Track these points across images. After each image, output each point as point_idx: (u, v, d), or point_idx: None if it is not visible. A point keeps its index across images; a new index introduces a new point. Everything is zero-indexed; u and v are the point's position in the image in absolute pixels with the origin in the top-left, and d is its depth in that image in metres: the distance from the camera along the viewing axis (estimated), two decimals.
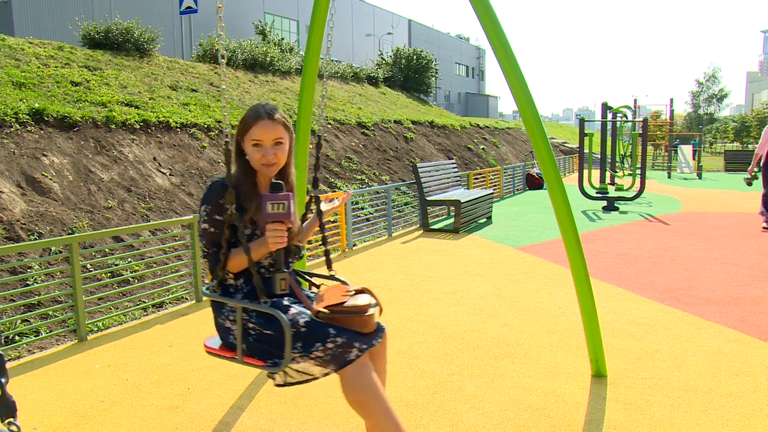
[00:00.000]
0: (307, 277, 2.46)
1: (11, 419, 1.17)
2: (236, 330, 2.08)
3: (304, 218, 2.47)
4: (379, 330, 2.17)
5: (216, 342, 2.28)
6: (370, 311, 2.11)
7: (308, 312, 2.08)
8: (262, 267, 2.15)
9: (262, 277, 2.13)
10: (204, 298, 5.02)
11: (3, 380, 1.20)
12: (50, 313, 4.38)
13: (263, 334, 2.06)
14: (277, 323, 2.01)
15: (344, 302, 2.09)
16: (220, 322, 2.19)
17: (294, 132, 2.21)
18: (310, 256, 6.65)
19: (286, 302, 2.13)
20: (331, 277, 2.45)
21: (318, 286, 2.42)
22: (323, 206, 2.50)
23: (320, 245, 7.08)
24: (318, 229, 2.51)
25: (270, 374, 2.13)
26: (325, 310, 2.06)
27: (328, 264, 2.51)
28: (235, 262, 2.06)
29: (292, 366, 2.05)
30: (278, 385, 2.15)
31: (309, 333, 2.01)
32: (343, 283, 2.34)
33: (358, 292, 2.20)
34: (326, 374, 2.08)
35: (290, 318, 2.03)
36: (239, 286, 2.15)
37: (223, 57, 2.15)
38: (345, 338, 2.01)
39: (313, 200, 2.47)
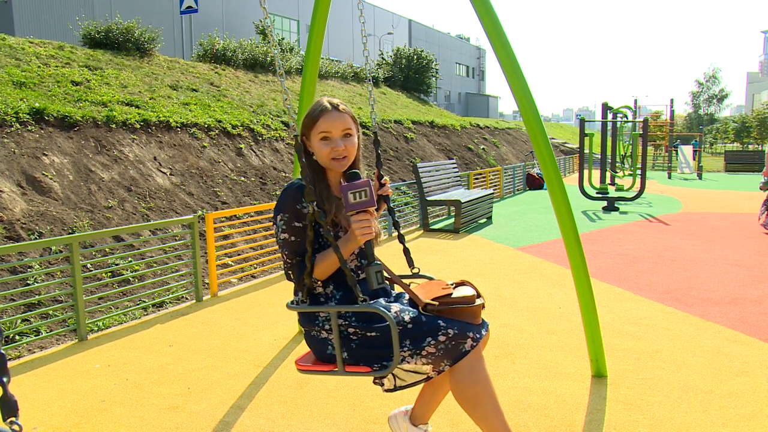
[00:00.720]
0: (392, 277, 2.19)
1: (13, 418, 1.17)
2: (334, 338, 1.91)
3: None
4: (485, 323, 2.05)
5: (309, 359, 2.10)
6: (478, 301, 2.00)
7: (410, 308, 1.96)
8: (350, 270, 1.97)
9: (358, 281, 2.00)
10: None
11: (5, 380, 1.20)
12: (50, 312, 4.38)
13: (366, 337, 1.93)
14: (379, 322, 1.89)
15: (451, 294, 1.99)
16: (313, 335, 2.03)
17: (359, 126, 2.08)
18: None
19: (383, 302, 2.00)
20: (417, 275, 2.28)
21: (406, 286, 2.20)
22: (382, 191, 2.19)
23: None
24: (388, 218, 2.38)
25: (377, 380, 2.01)
26: (434, 302, 1.95)
27: (410, 262, 2.31)
28: (323, 266, 1.92)
29: (402, 367, 1.93)
30: (387, 391, 2.02)
31: (417, 328, 1.88)
32: (431, 279, 2.20)
33: (458, 284, 2.10)
34: (440, 371, 1.94)
35: (393, 315, 1.89)
36: (329, 293, 2.00)
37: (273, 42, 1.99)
38: (457, 329, 1.88)
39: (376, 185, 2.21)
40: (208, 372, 3.43)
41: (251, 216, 6.96)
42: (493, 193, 9.96)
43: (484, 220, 9.72)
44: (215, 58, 13.68)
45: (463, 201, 8.46)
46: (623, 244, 7.36)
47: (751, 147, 43.57)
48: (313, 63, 3.70)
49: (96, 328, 4.32)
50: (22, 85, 7.49)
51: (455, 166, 10.45)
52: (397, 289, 2.31)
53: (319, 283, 1.99)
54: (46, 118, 6.70)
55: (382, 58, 24.80)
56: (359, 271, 2.06)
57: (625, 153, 17.99)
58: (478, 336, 1.92)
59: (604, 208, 11.06)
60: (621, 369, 3.37)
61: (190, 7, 15.67)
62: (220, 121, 9.23)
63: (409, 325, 1.89)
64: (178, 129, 8.33)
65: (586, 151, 14.26)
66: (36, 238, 5.07)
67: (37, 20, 19.55)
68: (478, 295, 2.04)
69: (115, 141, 7.19)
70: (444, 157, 15.58)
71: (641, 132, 12.03)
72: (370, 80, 2.67)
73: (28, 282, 4.63)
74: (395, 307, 1.96)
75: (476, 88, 58.70)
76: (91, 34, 11.27)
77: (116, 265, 5.28)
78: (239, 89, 12.05)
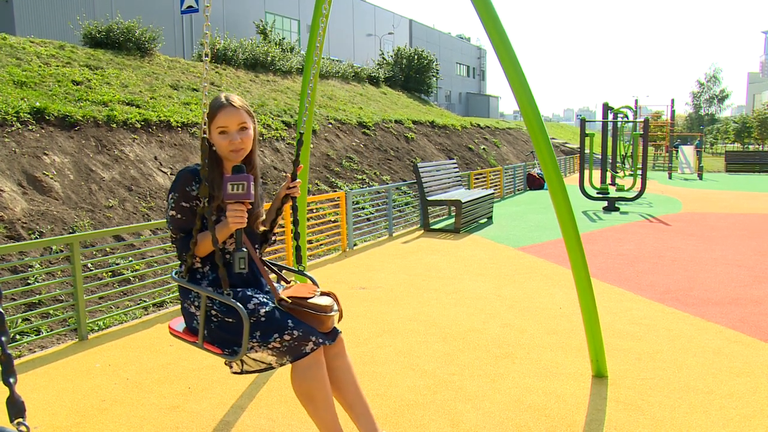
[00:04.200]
0: (276, 270, 2.48)
1: (20, 419, 1.17)
2: (199, 316, 2.15)
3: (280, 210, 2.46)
4: (335, 332, 2.27)
5: (181, 325, 2.34)
6: (330, 313, 2.21)
7: (270, 303, 2.16)
8: (227, 253, 2.22)
9: (226, 262, 2.17)
10: None
11: (12, 380, 1.20)
12: (51, 312, 4.38)
13: (225, 321, 2.14)
14: (238, 313, 2.07)
15: (308, 298, 2.19)
16: (185, 306, 2.26)
17: (256, 121, 2.28)
18: (310, 256, 6.65)
19: (249, 292, 2.20)
20: (301, 272, 2.50)
21: (288, 282, 2.45)
22: (282, 191, 2.42)
23: (320, 245, 7.09)
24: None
25: (228, 362, 2.19)
26: (288, 299, 2.16)
27: (298, 259, 2.54)
28: (202, 245, 2.12)
29: (250, 355, 2.12)
30: (235, 373, 2.23)
31: (268, 323, 2.09)
32: (313, 281, 2.40)
33: (324, 294, 2.29)
34: (282, 364, 2.17)
35: (251, 308, 2.11)
36: (206, 272, 2.22)
37: (206, 55, 2.16)
38: (301, 332, 2.10)
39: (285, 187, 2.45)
40: (208, 371, 3.43)
41: None
42: (493, 193, 9.96)
43: (485, 220, 9.71)
44: (216, 57, 13.69)
45: (463, 201, 8.46)
46: (624, 245, 7.36)
47: (751, 147, 43.53)
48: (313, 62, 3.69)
49: (96, 328, 4.32)
50: (22, 85, 7.49)
51: (456, 166, 10.45)
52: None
53: (197, 259, 2.20)
54: (47, 117, 6.70)
55: (383, 58, 24.79)
56: (230, 255, 2.23)
57: (626, 153, 17.97)
58: (320, 341, 2.14)
59: (604, 208, 11.06)
60: (621, 369, 3.37)
61: (190, 6, 15.65)
62: None
63: (263, 319, 2.10)
64: (179, 128, 8.33)
65: (587, 151, 14.26)
66: (37, 238, 5.08)
67: (37, 20, 19.55)
68: (336, 309, 2.25)
69: (116, 140, 7.20)
70: (444, 157, 15.58)
71: (642, 132, 12.02)
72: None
73: (29, 281, 4.63)
74: (257, 299, 2.16)
75: (477, 88, 58.66)
76: (92, 33, 11.27)
77: (117, 264, 5.28)
78: (240, 89, 12.05)
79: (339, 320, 2.29)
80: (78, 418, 2.87)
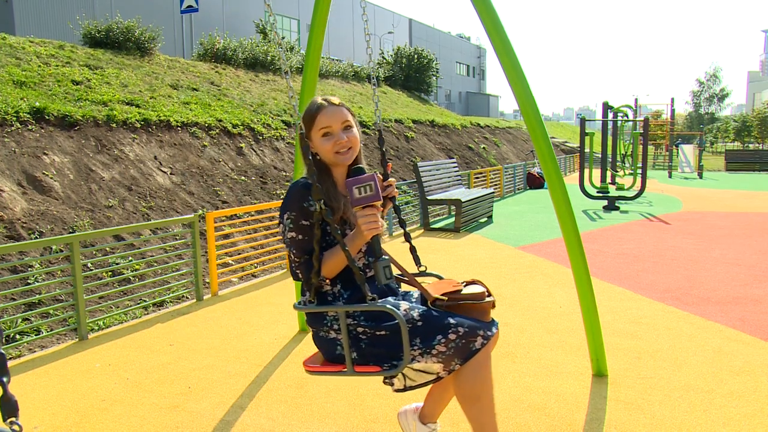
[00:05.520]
0: (400, 274, 2.18)
1: (13, 419, 1.17)
2: (343, 338, 1.88)
3: None
4: (494, 322, 2.03)
5: (317, 359, 2.09)
6: (489, 299, 2.00)
7: (419, 306, 1.94)
8: (359, 268, 1.94)
9: (364, 278, 1.96)
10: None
11: (5, 379, 1.20)
12: (51, 311, 4.38)
13: (375, 336, 1.91)
14: (389, 321, 1.87)
15: (460, 290, 1.99)
16: (321, 336, 2.00)
17: (356, 117, 2.09)
18: None
19: (392, 300, 1.99)
20: (424, 273, 2.23)
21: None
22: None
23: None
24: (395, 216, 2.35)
25: (387, 380, 2.00)
26: (443, 297, 1.95)
27: (416, 260, 2.29)
28: (330, 264, 1.90)
29: (412, 366, 1.92)
30: (397, 391, 2.01)
31: (426, 326, 1.86)
32: (439, 278, 2.19)
33: (469, 283, 2.09)
34: (451, 371, 1.93)
35: (403, 313, 1.88)
36: (337, 293, 1.98)
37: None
38: (467, 327, 1.87)
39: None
40: (208, 371, 3.43)
41: (251, 215, 6.96)
42: (493, 193, 9.96)
43: (485, 219, 9.71)
44: (216, 57, 13.68)
45: (463, 200, 8.46)
46: (624, 244, 7.36)
47: (751, 146, 43.53)
48: (313, 62, 3.69)
49: (96, 328, 4.32)
50: (22, 85, 7.49)
51: (456, 165, 10.44)
52: (404, 287, 2.29)
53: (327, 281, 1.97)
54: (47, 117, 6.70)
55: (383, 57, 24.79)
56: (367, 269, 2.04)
57: (626, 152, 17.97)
58: (488, 334, 1.91)
59: (604, 208, 11.06)
60: (621, 368, 3.37)
61: (190, 6, 15.66)
62: (220, 121, 9.23)
63: (419, 323, 1.87)
64: (179, 128, 8.33)
65: (587, 150, 14.25)
66: (36, 238, 5.08)
67: (37, 19, 19.55)
68: (489, 294, 2.04)
69: (116, 140, 7.19)
70: (444, 156, 15.58)
71: (642, 131, 12.02)
72: (374, 80, 2.67)
73: (29, 281, 4.63)
74: (404, 305, 1.94)
75: (477, 87, 58.64)
76: (92, 33, 11.26)
77: (117, 264, 5.28)
78: (240, 88, 12.05)
79: (493, 308, 2.03)
80: (78, 418, 2.87)
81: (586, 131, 12.10)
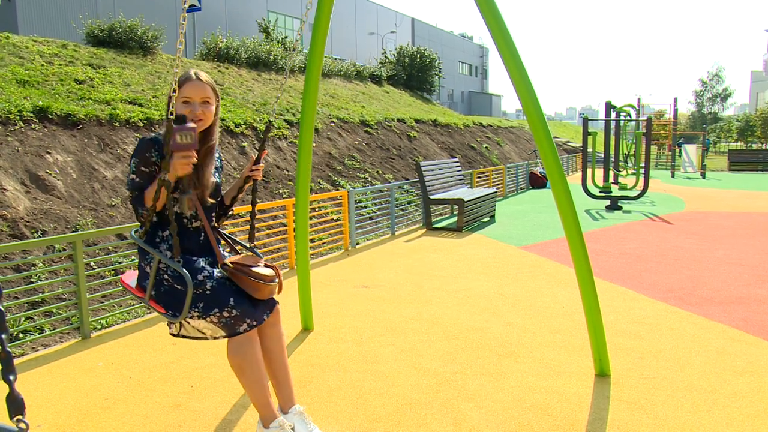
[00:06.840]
0: (229, 241, 2.62)
1: (20, 416, 1.17)
2: (150, 277, 2.29)
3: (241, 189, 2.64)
4: (272, 304, 2.43)
5: (133, 281, 2.48)
6: (270, 282, 2.34)
7: (216, 279, 2.29)
8: (184, 217, 2.36)
9: (181, 227, 2.35)
10: None
11: (11, 378, 1.20)
12: (54, 310, 4.39)
13: (173, 288, 2.29)
14: (186, 281, 2.20)
15: (251, 266, 2.33)
16: (141, 265, 2.41)
17: (219, 98, 2.45)
18: (313, 255, 6.65)
19: (202, 262, 2.35)
20: (251, 249, 2.64)
21: (238, 253, 2.60)
22: (246, 171, 2.62)
23: (323, 243, 7.08)
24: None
25: (169, 323, 2.37)
26: (230, 264, 2.31)
27: (251, 237, 2.72)
28: (151, 192, 2.22)
29: (190, 321, 2.30)
30: (173, 335, 2.40)
31: (212, 297, 2.25)
32: (258, 256, 2.54)
33: (268, 266, 2.42)
34: (216, 338, 2.36)
35: (200, 279, 2.27)
36: (164, 236, 2.34)
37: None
38: (239, 312, 2.26)
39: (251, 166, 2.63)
40: (211, 370, 3.43)
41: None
42: (496, 192, 9.95)
43: (487, 218, 9.70)
44: (218, 56, 13.69)
45: (466, 200, 8.45)
46: (626, 243, 7.34)
47: (755, 146, 43.43)
48: (316, 61, 3.70)
49: (99, 326, 4.33)
50: (25, 84, 7.51)
51: (458, 164, 10.43)
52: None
53: (156, 220, 2.32)
54: (50, 116, 6.71)
55: (385, 56, 24.77)
56: (194, 221, 2.39)
57: (629, 152, 17.92)
58: (254, 323, 2.31)
59: (607, 207, 11.04)
60: (624, 368, 3.36)
61: (193, 5, 15.66)
62: (223, 120, 9.23)
63: (208, 292, 2.26)
64: None
65: (590, 149, 14.23)
66: (39, 236, 5.08)
67: (40, 19, 19.58)
68: (276, 281, 2.38)
69: (119, 139, 7.20)
70: (447, 155, 15.57)
71: (644, 131, 11.99)
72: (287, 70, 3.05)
73: (32, 280, 4.64)
74: (206, 272, 2.30)
75: (479, 86, 58.59)
76: (95, 32, 11.27)
77: (119, 263, 5.29)
78: (242, 87, 12.05)
79: (278, 292, 2.43)
80: (80, 417, 2.88)
81: (589, 131, 12.08)
